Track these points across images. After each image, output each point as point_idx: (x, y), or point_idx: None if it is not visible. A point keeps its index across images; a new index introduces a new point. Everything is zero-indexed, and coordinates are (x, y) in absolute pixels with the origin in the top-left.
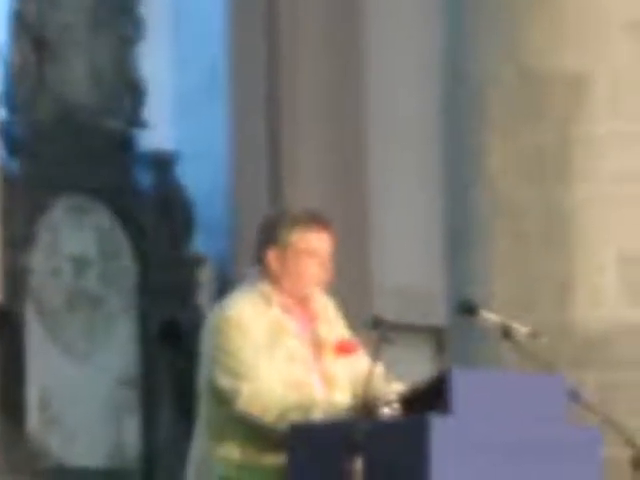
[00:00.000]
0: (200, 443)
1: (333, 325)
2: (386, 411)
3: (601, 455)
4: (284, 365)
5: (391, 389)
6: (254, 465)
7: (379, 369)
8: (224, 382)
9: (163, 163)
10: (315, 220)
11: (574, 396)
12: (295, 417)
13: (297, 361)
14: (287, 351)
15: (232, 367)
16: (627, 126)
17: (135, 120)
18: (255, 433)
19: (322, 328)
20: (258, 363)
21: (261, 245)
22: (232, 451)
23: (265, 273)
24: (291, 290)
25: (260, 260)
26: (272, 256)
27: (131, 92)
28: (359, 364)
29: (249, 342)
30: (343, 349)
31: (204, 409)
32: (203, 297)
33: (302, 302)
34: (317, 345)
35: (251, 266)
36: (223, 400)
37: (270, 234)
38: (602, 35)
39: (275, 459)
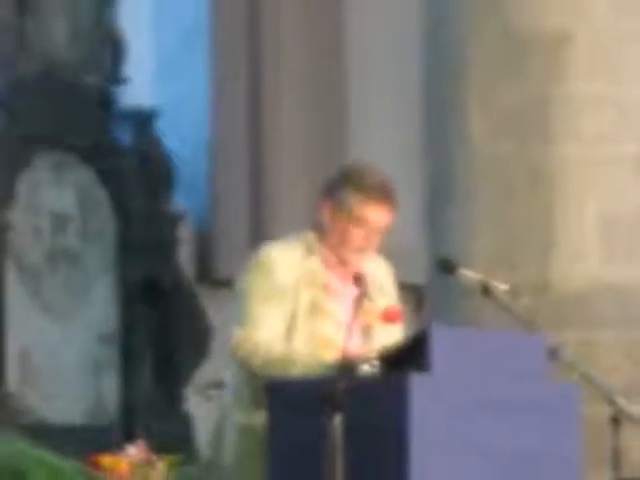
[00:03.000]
0: (230, 386)
1: (382, 292)
2: (366, 368)
3: (581, 412)
4: (306, 316)
5: (371, 347)
6: (260, 413)
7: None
8: (232, 328)
9: (143, 119)
10: (380, 192)
11: (553, 354)
12: (275, 370)
13: (324, 315)
14: (313, 302)
15: (240, 313)
16: (607, 85)
17: (115, 76)
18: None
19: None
20: (265, 314)
21: (322, 194)
22: (246, 400)
23: (317, 222)
24: (332, 247)
25: (317, 208)
26: (326, 209)
27: (111, 48)
28: (393, 335)
29: (267, 286)
30: (388, 317)
31: None
32: (183, 253)
33: (347, 263)
34: (361, 310)
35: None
36: None
37: (333, 187)
38: None
39: None
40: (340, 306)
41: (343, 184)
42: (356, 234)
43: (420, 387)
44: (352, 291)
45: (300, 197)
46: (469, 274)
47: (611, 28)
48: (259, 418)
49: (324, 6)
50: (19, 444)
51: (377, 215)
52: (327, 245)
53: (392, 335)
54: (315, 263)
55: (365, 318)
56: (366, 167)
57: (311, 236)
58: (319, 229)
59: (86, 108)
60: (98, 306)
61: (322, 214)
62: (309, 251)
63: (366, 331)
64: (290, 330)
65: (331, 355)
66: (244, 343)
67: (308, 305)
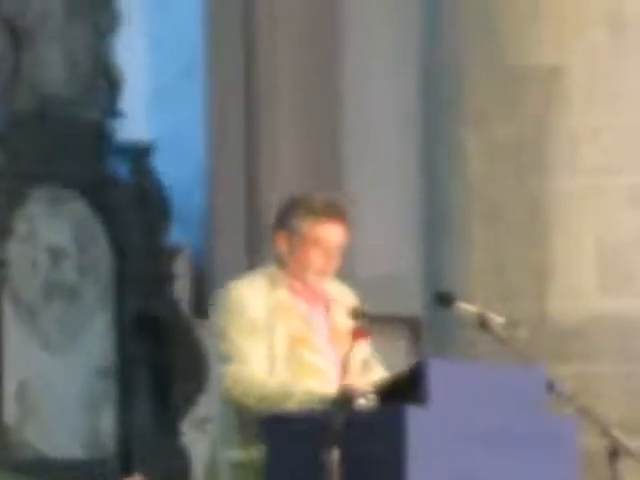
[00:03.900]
0: (217, 425)
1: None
2: (362, 402)
3: (579, 445)
4: (286, 346)
5: (368, 380)
6: (261, 450)
7: (367, 356)
8: (217, 365)
9: (139, 153)
10: (330, 211)
11: (551, 387)
12: (271, 405)
13: (301, 342)
14: (289, 331)
15: (222, 350)
16: (603, 118)
17: (111, 110)
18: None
19: (338, 314)
20: (249, 348)
21: (274, 227)
22: (239, 435)
23: (275, 255)
24: (295, 275)
25: (273, 242)
26: (281, 239)
27: (107, 82)
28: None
29: (246, 325)
30: (357, 335)
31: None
32: (180, 288)
33: (312, 287)
34: (333, 331)
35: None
36: None
37: (283, 218)
38: (578, 28)
39: None
40: (314, 332)
41: (293, 211)
42: (314, 255)
43: (417, 420)
44: (320, 315)
45: None
46: (466, 307)
47: (607, 59)
48: (252, 453)
49: (320, 37)
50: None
51: (331, 233)
52: (290, 274)
53: (360, 353)
54: (282, 294)
55: (337, 338)
56: (312, 192)
57: (273, 269)
58: (280, 261)
59: (82, 142)
60: (95, 340)
61: (279, 246)
62: (274, 283)
63: (362, 366)
64: (271, 362)
65: (316, 382)
66: (238, 382)
67: (286, 336)
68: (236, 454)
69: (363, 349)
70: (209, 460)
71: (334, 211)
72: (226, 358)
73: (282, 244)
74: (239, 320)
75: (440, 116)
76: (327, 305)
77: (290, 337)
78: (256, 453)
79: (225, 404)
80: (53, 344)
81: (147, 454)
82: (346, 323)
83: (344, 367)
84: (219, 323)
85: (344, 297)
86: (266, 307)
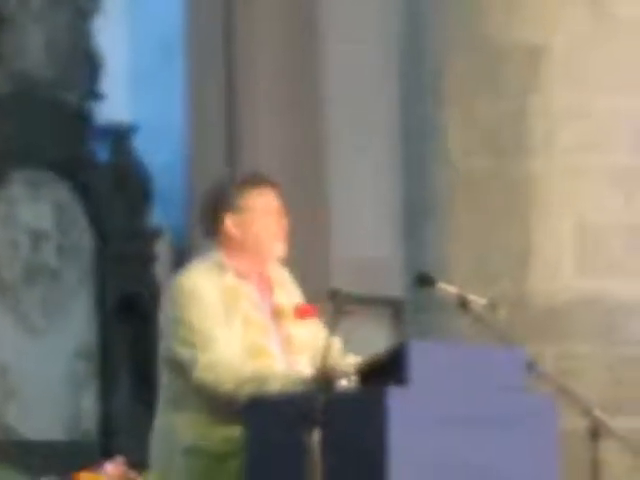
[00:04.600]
0: (162, 414)
1: (291, 292)
2: (343, 383)
3: (559, 425)
4: (241, 330)
5: (348, 361)
6: (214, 435)
7: (336, 342)
8: (181, 353)
9: (120, 135)
10: (262, 180)
11: (531, 367)
12: (251, 389)
13: (253, 325)
14: (242, 315)
15: (188, 338)
16: (584, 97)
17: (92, 93)
18: (213, 403)
19: (280, 295)
20: (214, 332)
21: (216, 215)
22: (191, 421)
23: (222, 242)
24: (256, 252)
25: (216, 230)
26: (231, 223)
27: (88, 65)
28: (319, 334)
29: (204, 311)
30: (301, 312)
31: (165, 380)
32: (160, 269)
33: (258, 268)
34: (276, 311)
35: (204, 238)
36: (182, 371)
37: (223, 202)
38: (560, 8)
39: (235, 430)
40: (262, 314)
41: (229, 193)
42: (268, 223)
43: (398, 401)
44: (267, 297)
45: None
46: (447, 288)
47: (586, 39)
48: (207, 438)
49: (300, 22)
50: None
51: (271, 199)
52: (241, 257)
53: (311, 330)
54: (230, 279)
55: (280, 318)
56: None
57: (219, 255)
58: (230, 246)
59: (63, 124)
60: (76, 322)
61: (228, 230)
62: (220, 270)
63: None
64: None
65: (269, 364)
66: (209, 369)
67: (240, 320)
68: (189, 438)
69: (313, 326)
70: (162, 445)
71: (264, 179)
72: (192, 345)
73: (232, 227)
74: (198, 307)
75: (421, 96)
76: (271, 287)
77: (242, 321)
78: (212, 438)
79: (186, 390)
80: (34, 326)
81: (128, 436)
82: (290, 304)
83: (324, 350)
84: (177, 313)
85: (285, 279)
86: (218, 293)
